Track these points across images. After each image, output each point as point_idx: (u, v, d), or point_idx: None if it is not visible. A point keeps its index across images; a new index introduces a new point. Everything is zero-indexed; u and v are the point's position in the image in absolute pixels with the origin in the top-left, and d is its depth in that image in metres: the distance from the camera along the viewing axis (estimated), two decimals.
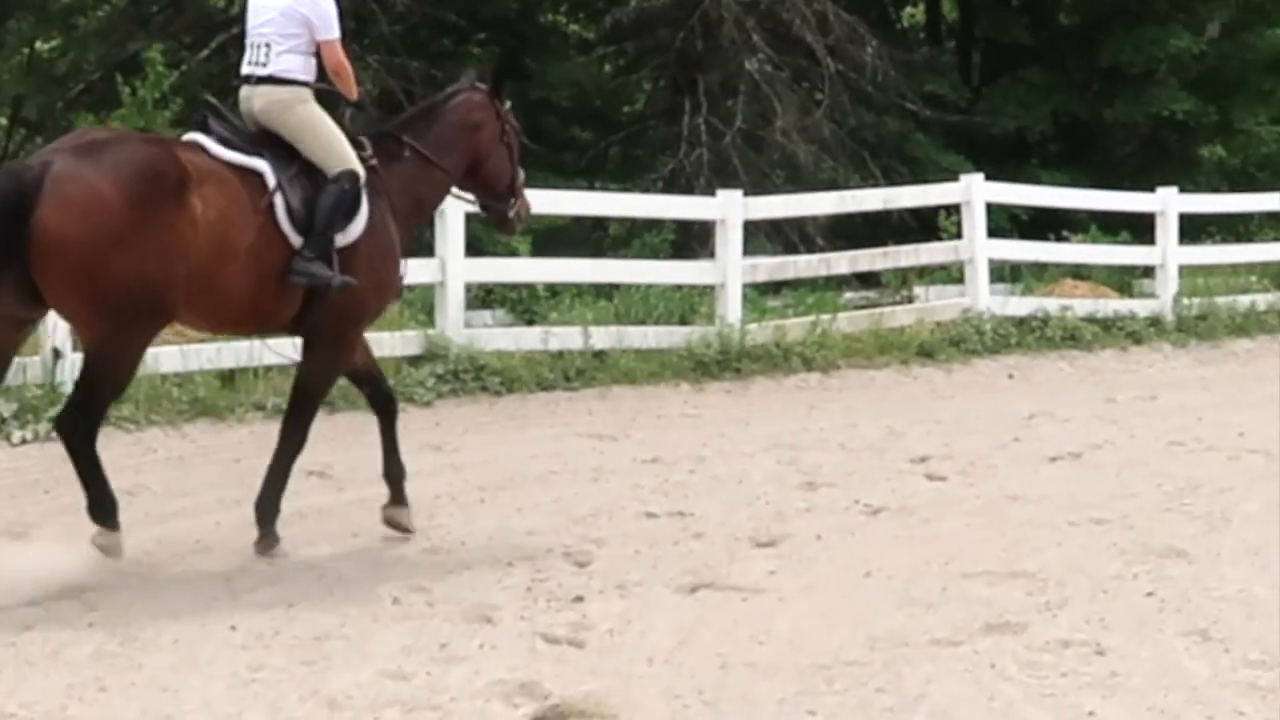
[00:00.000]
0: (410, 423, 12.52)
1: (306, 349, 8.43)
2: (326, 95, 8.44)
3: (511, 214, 9.14)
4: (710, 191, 17.37)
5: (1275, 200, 23.36)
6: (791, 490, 9.99)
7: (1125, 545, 8.44)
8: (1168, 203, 18.99)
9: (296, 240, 8.00)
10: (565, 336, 14.36)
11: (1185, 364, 17.13)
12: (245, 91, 8.33)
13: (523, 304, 16.35)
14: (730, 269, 15.24)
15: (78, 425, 7.59)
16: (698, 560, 8.17)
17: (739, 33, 23.82)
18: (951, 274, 18.45)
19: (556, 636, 6.82)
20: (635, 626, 7.00)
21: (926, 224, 20.38)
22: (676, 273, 16.07)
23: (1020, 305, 17.57)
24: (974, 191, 17.37)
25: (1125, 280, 20.05)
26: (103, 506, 7.65)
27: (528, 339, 14.45)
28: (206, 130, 8.07)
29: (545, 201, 16.21)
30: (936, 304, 17.46)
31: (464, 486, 9.95)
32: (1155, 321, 18.13)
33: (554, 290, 16.37)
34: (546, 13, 27.78)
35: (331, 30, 8.27)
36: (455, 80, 9.12)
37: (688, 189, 21.93)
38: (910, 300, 18.03)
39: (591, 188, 21.62)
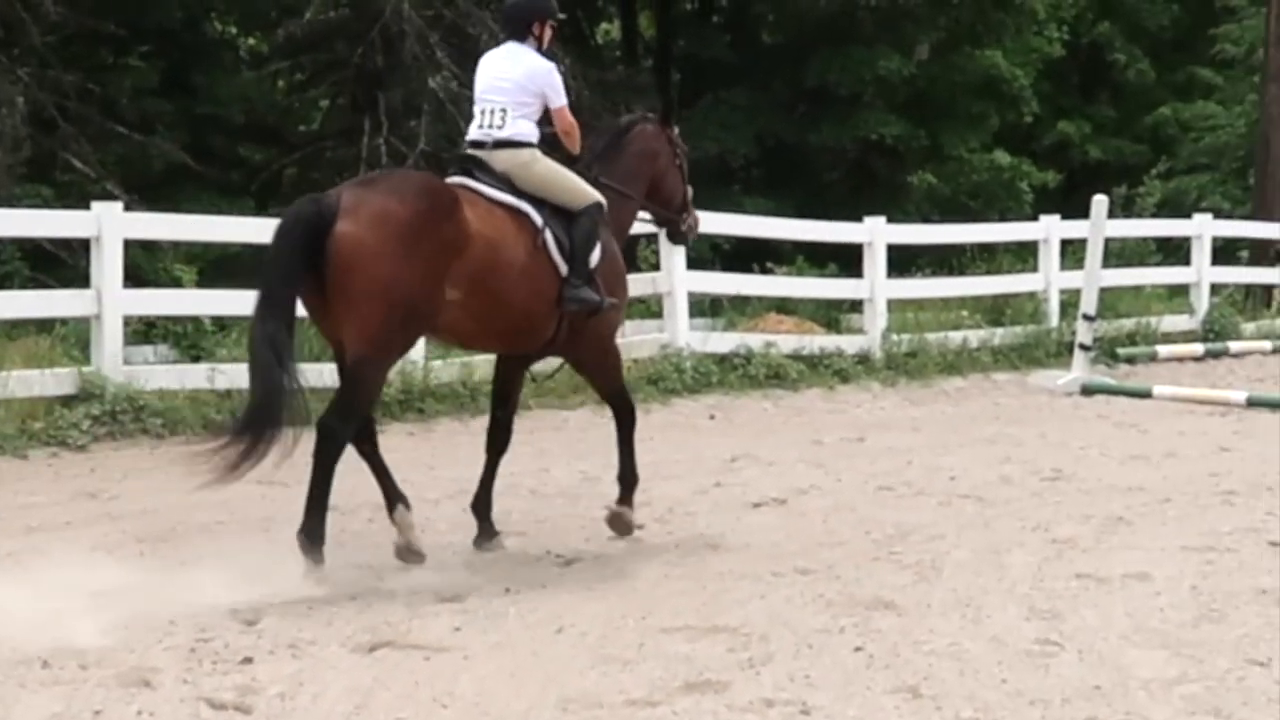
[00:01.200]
0: (62, 469, 12.31)
1: (581, 367, 10.39)
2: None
3: (684, 227, 11.17)
4: None
5: (987, 231, 24.22)
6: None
7: (832, 597, 8.64)
8: (876, 233, 19.51)
9: (564, 269, 9.70)
10: (234, 374, 14.15)
11: (894, 404, 17.59)
12: (479, 155, 9.82)
13: (188, 338, 16.08)
14: None
15: (335, 430, 8.99)
16: (376, 616, 8.14)
17: (422, 48, 23.83)
18: (649, 308, 18.66)
19: (222, 701, 6.74)
20: (308, 689, 6.94)
21: (623, 254, 20.57)
22: None
23: (722, 341, 17.86)
24: None
25: (833, 315, 20.52)
26: (316, 523, 8.95)
27: (193, 377, 14.25)
28: (471, 176, 9.70)
29: (212, 227, 16.14)
30: (633, 340, 17.63)
31: (122, 538, 9.76)
32: (863, 359, 18.60)
33: (222, 324, 16.15)
34: (215, 23, 27.44)
35: (562, 98, 9.94)
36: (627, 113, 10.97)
37: None
38: None
39: (263, 212, 21.38)
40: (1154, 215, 29.24)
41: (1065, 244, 21.79)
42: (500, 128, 9.81)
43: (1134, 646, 7.75)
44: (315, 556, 8.87)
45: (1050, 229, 21.54)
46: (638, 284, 17.88)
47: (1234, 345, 22.04)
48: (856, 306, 20.00)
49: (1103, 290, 19.78)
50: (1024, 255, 23.44)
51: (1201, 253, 23.41)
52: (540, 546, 9.85)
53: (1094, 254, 18.91)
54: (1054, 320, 21.02)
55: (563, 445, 14.12)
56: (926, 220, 29.62)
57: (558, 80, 9.94)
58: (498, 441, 10.30)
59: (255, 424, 8.76)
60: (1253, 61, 38.37)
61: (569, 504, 11.35)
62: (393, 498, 9.44)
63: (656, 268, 17.93)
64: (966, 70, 30.98)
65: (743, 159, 29.60)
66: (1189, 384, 18.98)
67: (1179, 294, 24.16)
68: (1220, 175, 40.12)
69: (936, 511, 11.23)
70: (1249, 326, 23.51)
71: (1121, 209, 29.72)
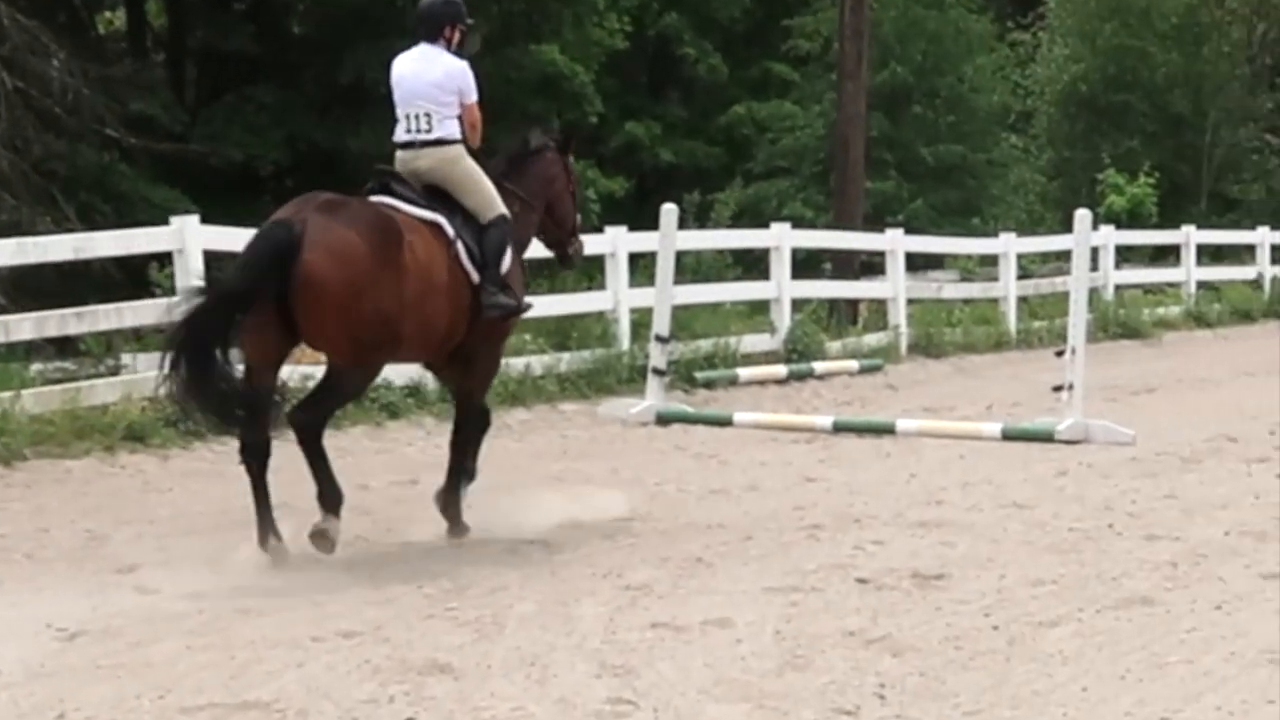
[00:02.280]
0: None
1: (469, 367, 12.43)
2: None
3: (571, 251, 13.41)
4: None
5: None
6: None
7: (379, 662, 8.59)
8: None
9: (476, 277, 11.86)
10: None
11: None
12: (408, 154, 12.12)
13: None
14: None
15: (309, 421, 11.19)
16: None
17: None
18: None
19: None
20: None
21: (136, 276, 20.23)
22: None
23: None
24: (188, 237, 17.20)
25: None
26: (330, 496, 11.25)
27: None
28: (389, 192, 11.84)
29: None
30: (149, 375, 17.23)
31: None
32: (414, 391, 18.53)
33: None
34: None
35: (474, 95, 12.18)
36: (526, 136, 13.10)
37: None
38: (116, 371, 17.77)
39: None
40: (731, 224, 29.95)
41: (635, 258, 22.10)
42: (429, 130, 12.07)
43: (714, 700, 7.89)
44: (333, 516, 11.21)
45: (617, 242, 21.81)
46: (151, 311, 17.57)
47: (819, 366, 22.68)
48: None
49: (677, 308, 20.13)
50: (590, 271, 23.69)
51: (781, 265, 23.98)
52: (37, 619, 9.54)
53: (665, 269, 19.24)
54: (625, 343, 21.28)
55: (64, 500, 13.76)
56: None
57: (471, 79, 12.17)
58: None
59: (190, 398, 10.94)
60: (829, 57, 39.70)
61: (72, 568, 11.05)
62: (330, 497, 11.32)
63: (174, 292, 17.55)
64: (522, 66, 31.26)
65: (272, 166, 29.36)
66: (772, 409, 19.50)
67: (759, 311, 24.73)
68: (800, 180, 41.40)
69: (498, 560, 11.29)
70: (834, 345, 24.22)
71: (695, 218, 30.36)
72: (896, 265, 26.15)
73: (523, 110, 31.19)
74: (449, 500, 12.36)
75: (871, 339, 25.23)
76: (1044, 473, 14.99)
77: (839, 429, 17.55)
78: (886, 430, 17.38)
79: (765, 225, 25.97)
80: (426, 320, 11.53)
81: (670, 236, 19.47)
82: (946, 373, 24.58)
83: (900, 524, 12.42)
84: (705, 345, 22.20)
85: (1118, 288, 31.74)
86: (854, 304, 27.65)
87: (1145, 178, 41.02)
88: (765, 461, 15.68)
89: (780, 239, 24.25)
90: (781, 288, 23.94)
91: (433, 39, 12.25)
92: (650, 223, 21.00)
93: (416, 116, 12.07)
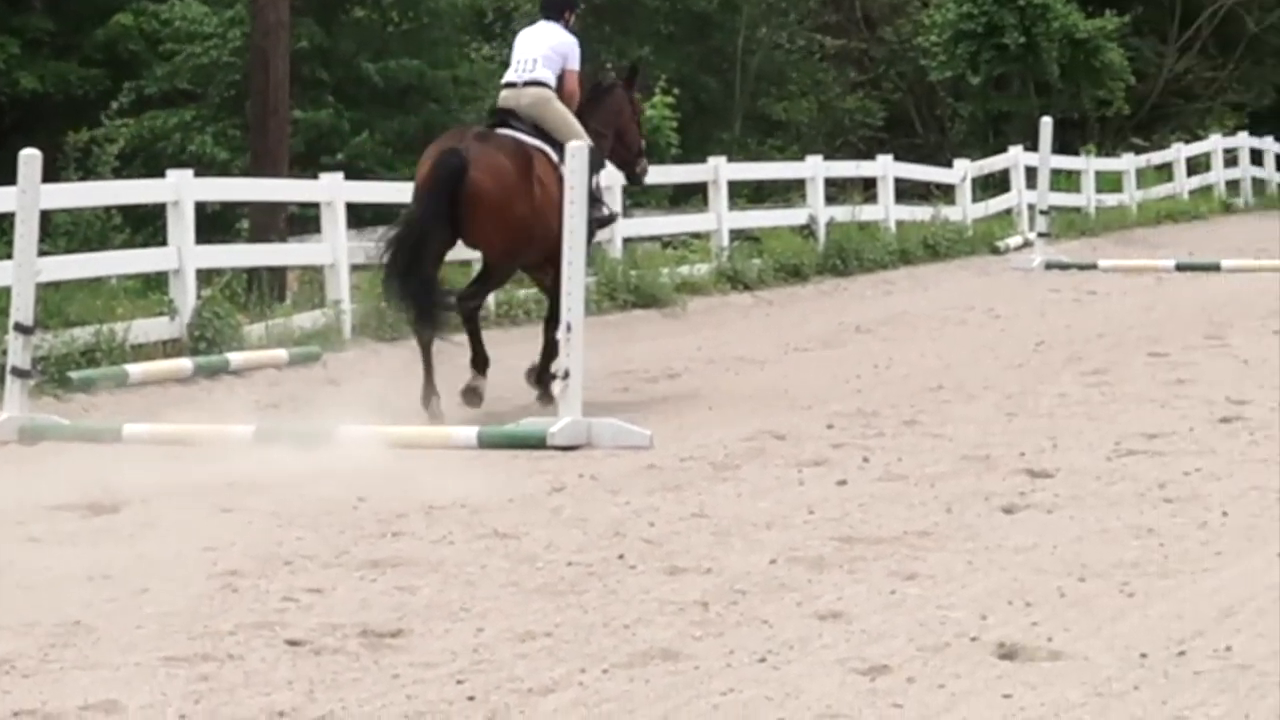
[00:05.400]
0: None
1: (554, 269, 18.53)
2: None
3: (639, 169, 21.66)
4: None
5: None
6: None
7: None
8: None
9: None
10: None
11: None
12: (511, 93, 20.03)
13: None
14: None
15: (471, 300, 19.77)
16: None
17: None
18: None
19: None
20: None
21: None
22: None
23: None
24: None
25: None
26: (480, 360, 19.49)
27: None
28: (509, 126, 19.76)
29: None
30: None
31: None
32: None
33: None
34: None
35: (576, 65, 20.21)
36: (599, 79, 21.69)
37: None
38: None
39: None
40: (118, 170, 29.58)
41: None
42: (531, 71, 19.82)
43: None
44: (480, 375, 19.47)
45: None
46: None
47: (235, 357, 22.47)
48: None
49: (44, 286, 19.84)
50: None
51: (182, 226, 23.36)
52: None
53: (27, 235, 18.88)
54: None
55: None
56: None
57: (578, 52, 20.20)
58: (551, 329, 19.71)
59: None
60: None
61: None
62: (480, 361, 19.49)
63: None
64: None
65: None
66: (174, 417, 19.26)
67: (155, 288, 24.41)
68: (209, 109, 41.14)
69: None
70: (256, 329, 23.98)
71: (77, 166, 30.01)
72: (335, 221, 25.78)
73: None
74: (542, 376, 19.57)
75: (305, 319, 25.04)
76: (534, 490, 15.21)
77: (264, 440, 17.46)
78: (323, 440, 17.36)
79: (162, 172, 25.62)
80: (548, 226, 18.53)
81: (33, 191, 19.11)
82: (403, 361, 24.54)
83: (344, 565, 12.46)
84: (84, 335, 21.85)
85: (627, 241, 31.92)
86: (281, 274, 27.53)
87: (661, 96, 41.42)
88: (166, 488, 15.45)
89: (179, 191, 23.77)
90: (182, 255, 23.44)
91: (554, 19, 20.28)
92: (7, 173, 20.62)
93: (523, 62, 19.93)
